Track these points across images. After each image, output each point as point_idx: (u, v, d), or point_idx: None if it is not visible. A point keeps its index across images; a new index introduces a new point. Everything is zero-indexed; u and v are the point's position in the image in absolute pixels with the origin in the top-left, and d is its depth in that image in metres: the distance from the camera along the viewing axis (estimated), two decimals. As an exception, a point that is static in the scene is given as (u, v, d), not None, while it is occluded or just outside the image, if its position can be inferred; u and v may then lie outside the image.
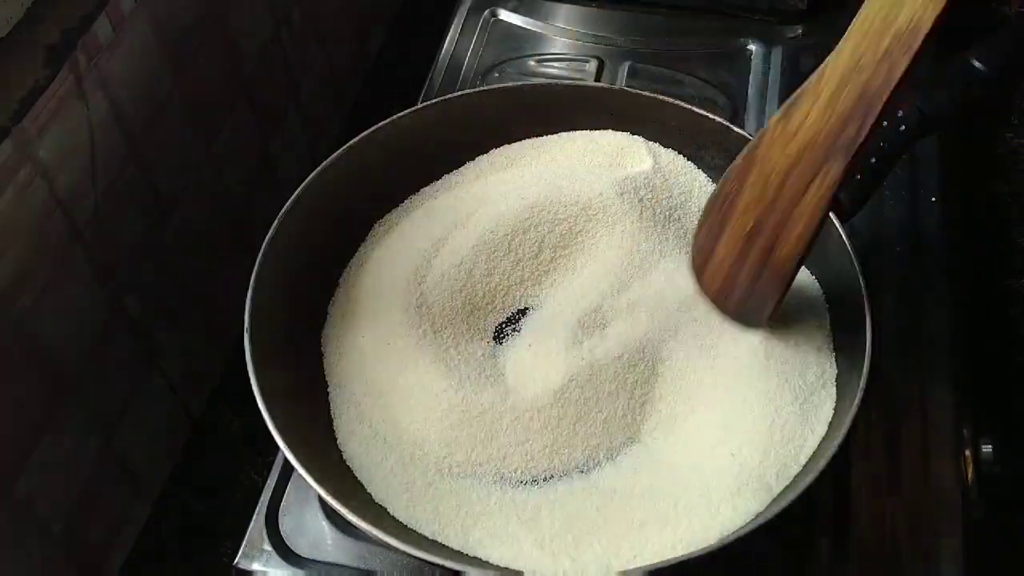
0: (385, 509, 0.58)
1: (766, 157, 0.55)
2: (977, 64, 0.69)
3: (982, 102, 0.70)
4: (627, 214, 0.68)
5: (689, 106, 0.71)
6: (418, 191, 0.73)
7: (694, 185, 0.72)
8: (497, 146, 0.74)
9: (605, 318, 0.64)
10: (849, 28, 0.49)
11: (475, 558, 0.56)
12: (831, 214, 0.64)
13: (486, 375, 0.63)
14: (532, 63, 0.93)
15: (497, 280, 0.67)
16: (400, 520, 0.58)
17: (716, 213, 0.60)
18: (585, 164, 0.72)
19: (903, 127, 0.68)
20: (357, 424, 0.62)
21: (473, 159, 0.74)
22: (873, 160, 0.67)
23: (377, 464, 0.60)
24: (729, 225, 0.59)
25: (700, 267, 0.63)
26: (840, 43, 0.50)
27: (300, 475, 0.54)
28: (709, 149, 0.72)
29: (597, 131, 0.74)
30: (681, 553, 0.54)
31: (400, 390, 0.62)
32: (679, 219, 0.70)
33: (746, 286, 0.60)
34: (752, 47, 0.93)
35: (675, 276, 0.66)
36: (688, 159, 0.73)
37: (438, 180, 0.73)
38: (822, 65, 0.51)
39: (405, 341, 0.63)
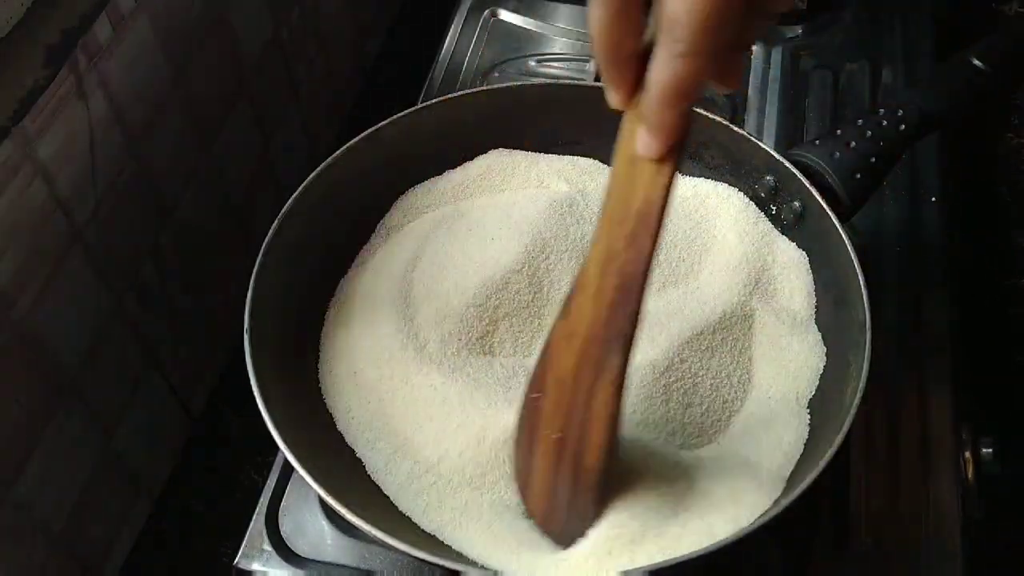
0: (386, 507, 0.58)
1: (556, 359, 0.51)
2: (977, 63, 0.69)
3: (982, 101, 0.70)
4: None
5: (689, 106, 0.71)
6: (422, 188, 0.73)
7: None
8: (497, 146, 0.74)
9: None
10: (599, 218, 0.48)
11: (476, 558, 0.56)
12: (831, 214, 0.64)
13: (494, 385, 0.62)
14: (532, 63, 0.94)
15: (511, 297, 0.66)
16: (403, 512, 0.58)
17: (527, 426, 0.55)
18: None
19: (903, 127, 0.68)
20: (366, 431, 0.62)
21: (473, 160, 0.74)
22: (873, 160, 0.67)
23: (388, 471, 0.60)
24: (538, 438, 0.54)
25: (523, 488, 0.57)
26: (594, 232, 0.48)
27: (300, 475, 0.54)
28: (709, 149, 0.72)
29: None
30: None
31: (406, 401, 0.62)
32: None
33: (565, 503, 0.54)
34: (752, 47, 0.93)
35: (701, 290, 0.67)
36: (688, 158, 0.73)
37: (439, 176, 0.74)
38: (588, 255, 0.49)
39: (410, 352, 0.63)
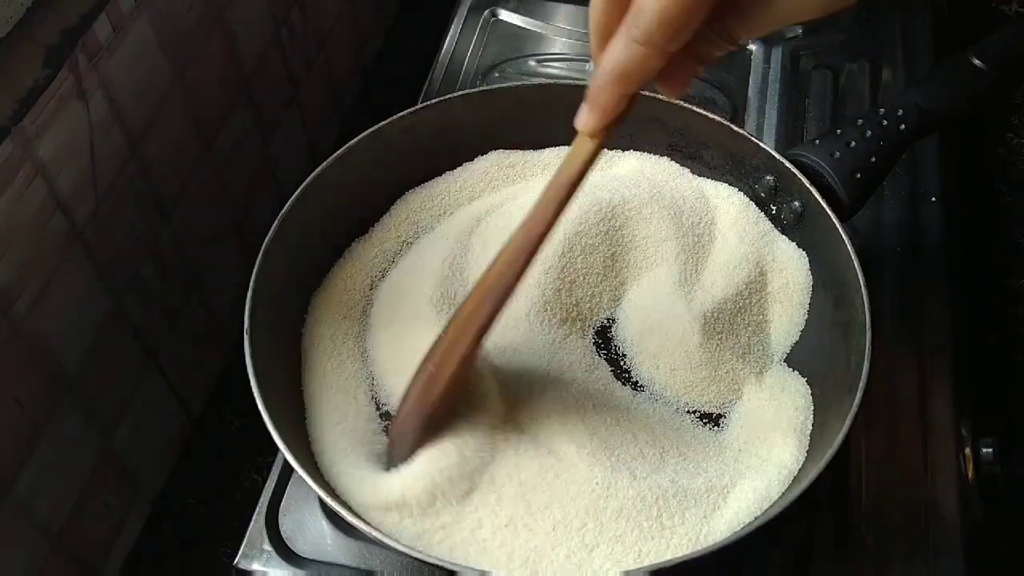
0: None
1: (464, 305, 0.56)
2: (977, 63, 0.69)
3: (982, 101, 0.70)
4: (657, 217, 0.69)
5: (689, 106, 0.71)
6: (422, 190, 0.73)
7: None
8: (497, 147, 0.74)
9: None
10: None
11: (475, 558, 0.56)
12: (831, 214, 0.64)
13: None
14: (532, 63, 0.94)
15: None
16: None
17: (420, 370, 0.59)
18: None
19: (903, 126, 0.68)
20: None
21: (472, 160, 0.74)
22: (873, 160, 0.67)
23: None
24: (421, 370, 0.58)
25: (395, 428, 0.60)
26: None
27: (300, 475, 0.54)
28: (710, 149, 0.72)
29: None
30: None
31: None
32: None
33: (402, 420, 0.59)
34: (752, 47, 0.93)
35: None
36: (689, 158, 0.73)
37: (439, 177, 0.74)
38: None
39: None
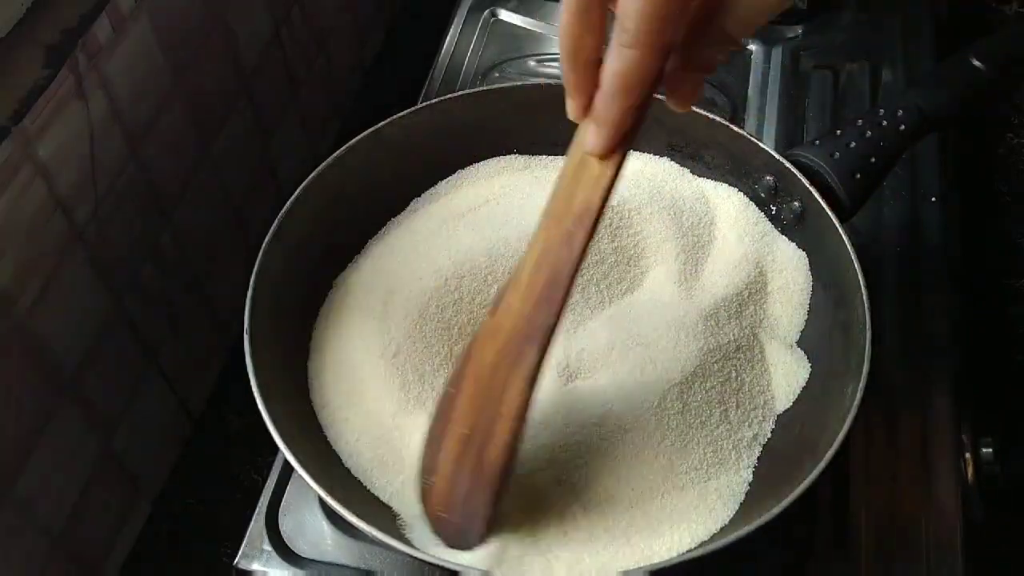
0: (385, 506, 0.58)
1: (479, 356, 0.52)
2: (977, 63, 0.69)
3: (982, 102, 0.70)
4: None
5: (690, 106, 0.71)
6: (419, 195, 0.73)
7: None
8: (497, 147, 0.74)
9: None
10: (541, 216, 0.50)
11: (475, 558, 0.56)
12: (831, 214, 0.64)
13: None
14: (532, 63, 0.94)
15: None
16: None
17: (440, 423, 0.54)
18: None
19: (903, 127, 0.68)
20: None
21: (471, 161, 0.74)
22: (872, 160, 0.67)
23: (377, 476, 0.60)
24: (448, 433, 0.54)
25: (426, 490, 0.56)
26: (535, 231, 0.50)
27: (300, 475, 0.54)
28: (710, 149, 0.72)
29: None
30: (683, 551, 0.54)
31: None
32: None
33: (462, 499, 0.54)
34: (752, 47, 0.93)
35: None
36: (689, 158, 0.73)
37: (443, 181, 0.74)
38: (525, 252, 0.50)
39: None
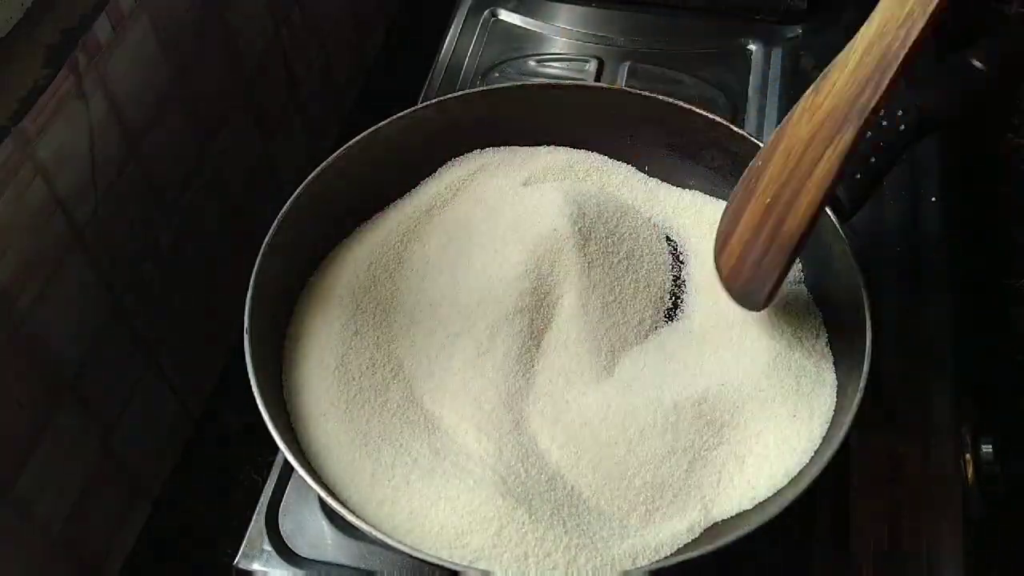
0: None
1: (793, 131, 0.55)
2: (977, 64, 0.69)
3: (982, 102, 0.70)
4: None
5: (689, 106, 0.71)
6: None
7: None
8: (496, 146, 0.74)
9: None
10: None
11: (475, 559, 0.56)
12: (831, 214, 0.64)
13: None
14: (532, 63, 0.93)
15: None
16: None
17: (743, 193, 0.60)
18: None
19: (903, 127, 0.68)
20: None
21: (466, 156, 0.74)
22: (872, 160, 0.67)
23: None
24: (751, 202, 0.58)
25: (720, 248, 0.62)
26: (872, 13, 0.51)
27: (300, 475, 0.54)
28: (710, 149, 0.72)
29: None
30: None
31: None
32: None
33: (754, 263, 0.59)
34: (752, 47, 0.93)
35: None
36: (688, 158, 0.73)
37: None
38: (856, 36, 0.52)
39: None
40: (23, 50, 0.59)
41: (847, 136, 0.51)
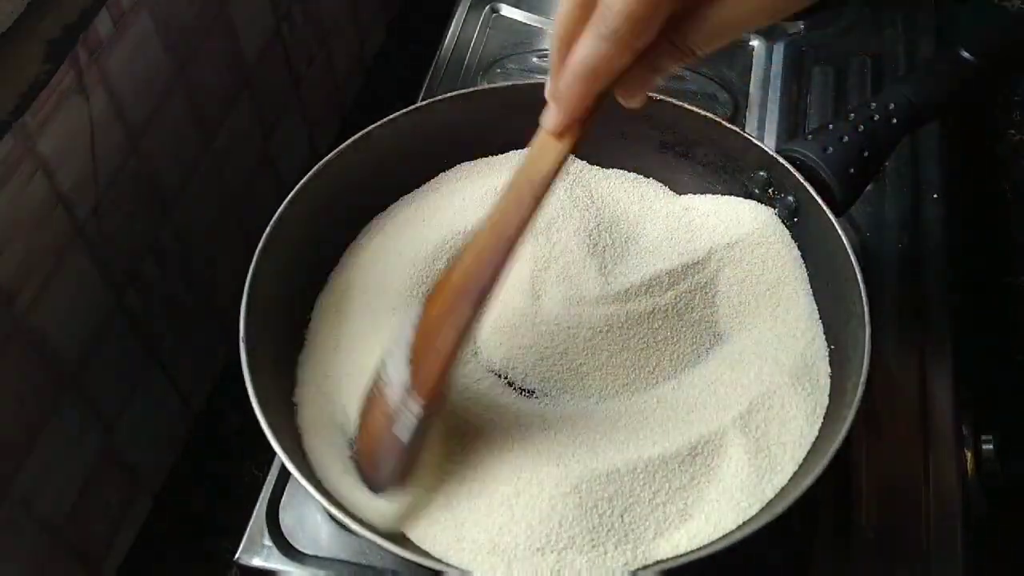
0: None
1: (428, 310, 0.54)
2: (966, 55, 0.69)
3: (972, 92, 0.70)
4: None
5: (679, 102, 0.71)
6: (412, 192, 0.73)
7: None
8: (497, 144, 0.74)
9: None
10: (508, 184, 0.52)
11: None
12: (826, 209, 0.64)
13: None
14: (534, 59, 0.93)
15: None
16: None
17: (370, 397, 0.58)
18: None
19: (894, 120, 0.68)
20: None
21: (471, 159, 0.74)
22: (866, 153, 0.67)
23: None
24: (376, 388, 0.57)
25: (360, 433, 0.59)
26: (495, 201, 0.52)
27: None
28: (702, 146, 0.72)
29: None
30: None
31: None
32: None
33: (380, 450, 0.57)
34: (754, 43, 0.93)
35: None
36: (680, 156, 0.73)
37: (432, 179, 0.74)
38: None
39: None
40: (24, 45, 0.59)
41: (466, 312, 0.52)
